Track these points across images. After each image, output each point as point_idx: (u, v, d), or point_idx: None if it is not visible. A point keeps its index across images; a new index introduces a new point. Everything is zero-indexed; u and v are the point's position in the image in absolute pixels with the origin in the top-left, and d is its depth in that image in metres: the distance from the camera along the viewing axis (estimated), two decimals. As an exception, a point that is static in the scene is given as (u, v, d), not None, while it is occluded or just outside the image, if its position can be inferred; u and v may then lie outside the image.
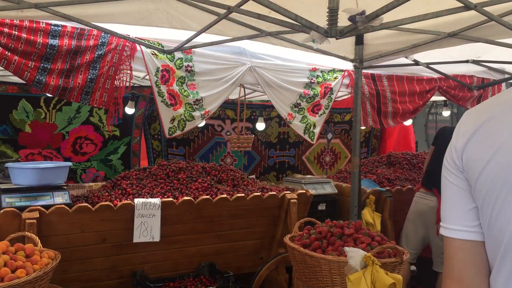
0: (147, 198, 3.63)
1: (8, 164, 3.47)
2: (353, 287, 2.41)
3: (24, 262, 2.56)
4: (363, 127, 5.51)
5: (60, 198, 3.37)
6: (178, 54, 3.82)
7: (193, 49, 3.83)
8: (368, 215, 4.51)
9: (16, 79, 4.46)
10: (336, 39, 2.64)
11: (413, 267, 4.40)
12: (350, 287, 2.43)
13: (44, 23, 3.22)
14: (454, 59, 4.69)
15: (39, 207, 3.25)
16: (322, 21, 2.72)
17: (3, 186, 3.36)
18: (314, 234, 2.86)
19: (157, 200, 3.59)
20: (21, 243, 2.82)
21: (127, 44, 3.57)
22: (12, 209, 3.17)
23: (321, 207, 4.71)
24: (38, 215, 3.20)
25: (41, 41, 3.18)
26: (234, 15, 3.20)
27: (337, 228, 2.85)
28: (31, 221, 3.15)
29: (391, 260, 2.58)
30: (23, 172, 3.34)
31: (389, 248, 2.65)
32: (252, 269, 4.13)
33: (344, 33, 2.55)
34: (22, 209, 3.20)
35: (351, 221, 2.95)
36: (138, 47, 3.63)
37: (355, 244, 2.70)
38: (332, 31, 2.54)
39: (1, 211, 3.15)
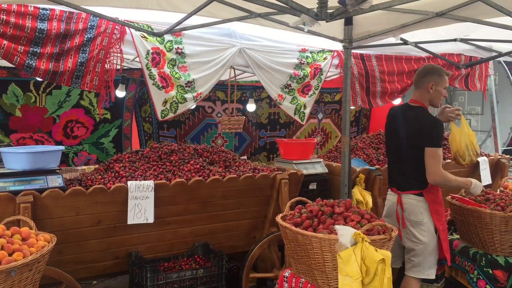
0: (140, 180, 3.66)
1: (0, 149, 3.47)
2: (344, 264, 2.48)
3: (20, 245, 2.59)
4: (352, 107, 5.56)
5: (53, 182, 3.38)
6: (167, 37, 3.81)
7: (182, 32, 3.83)
8: (358, 193, 4.59)
9: (4, 63, 4.43)
10: (327, 21, 2.66)
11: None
12: (341, 264, 2.50)
13: (32, 7, 3.20)
14: (442, 38, 4.73)
15: (33, 191, 3.27)
16: (312, 3, 2.74)
17: (-4, 171, 3.37)
18: (305, 213, 2.92)
19: (150, 182, 3.62)
20: (17, 226, 2.84)
21: (116, 27, 3.56)
22: (6, 193, 3.18)
23: (312, 186, 4.78)
24: (32, 199, 3.22)
25: (30, 25, 3.16)
26: (223, -3, 3.20)
27: (328, 207, 2.91)
28: (26, 205, 3.17)
29: (380, 237, 2.65)
30: (17, 156, 3.34)
31: (378, 225, 2.72)
32: (245, 248, 4.21)
33: (334, 16, 2.58)
34: (16, 193, 3.21)
35: (341, 200, 3.01)
36: (127, 30, 3.62)
37: (345, 222, 2.76)
38: (323, 14, 2.57)
39: (-5, 195, 3.17)
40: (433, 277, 3.46)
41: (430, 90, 3.44)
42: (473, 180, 3.49)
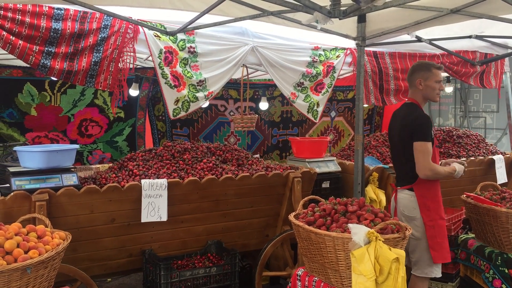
0: (153, 178, 3.68)
1: (16, 148, 3.51)
2: (357, 263, 2.47)
3: (36, 243, 2.62)
4: (365, 105, 5.52)
5: (68, 180, 3.42)
6: (180, 36, 3.83)
7: (195, 30, 3.84)
8: (372, 192, 4.56)
9: (20, 62, 4.47)
10: (340, 19, 2.65)
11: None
12: (354, 263, 2.49)
13: (47, 7, 3.23)
14: (457, 34, 4.68)
15: (48, 189, 3.31)
16: (325, 0, 2.73)
17: (12, 169, 3.40)
18: (318, 212, 2.91)
19: (163, 181, 3.64)
20: (32, 224, 2.88)
21: (130, 26, 3.58)
22: (22, 191, 3.23)
23: (325, 185, 4.76)
24: (47, 197, 3.26)
25: (44, 25, 3.19)
26: (236, -5, 3.20)
27: (341, 205, 2.90)
28: (41, 203, 3.22)
29: (394, 235, 2.63)
30: (32, 155, 3.38)
31: (392, 224, 2.70)
32: (258, 246, 4.22)
33: (347, 13, 2.56)
34: (31, 191, 3.26)
35: (354, 198, 3.00)
36: (140, 29, 3.64)
37: (359, 220, 2.74)
38: (336, 11, 2.55)
39: (12, 193, 3.21)
40: (438, 275, 3.41)
41: (420, 86, 3.46)
42: (456, 166, 3.47)
